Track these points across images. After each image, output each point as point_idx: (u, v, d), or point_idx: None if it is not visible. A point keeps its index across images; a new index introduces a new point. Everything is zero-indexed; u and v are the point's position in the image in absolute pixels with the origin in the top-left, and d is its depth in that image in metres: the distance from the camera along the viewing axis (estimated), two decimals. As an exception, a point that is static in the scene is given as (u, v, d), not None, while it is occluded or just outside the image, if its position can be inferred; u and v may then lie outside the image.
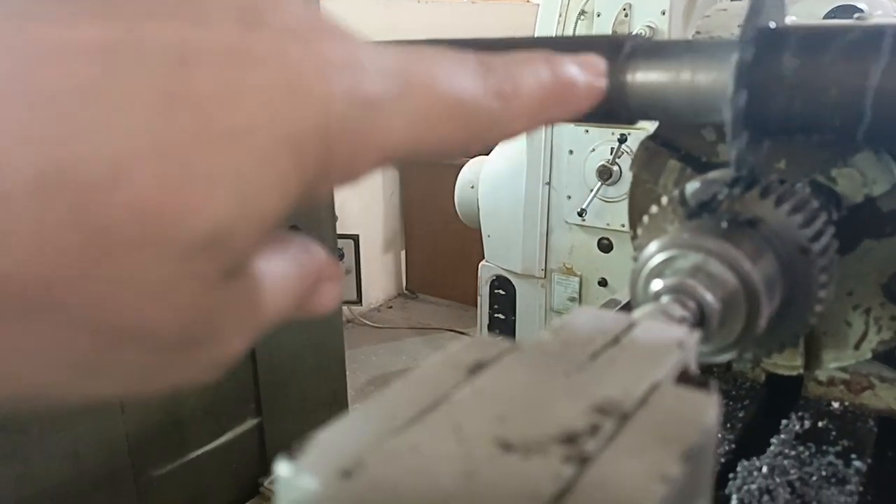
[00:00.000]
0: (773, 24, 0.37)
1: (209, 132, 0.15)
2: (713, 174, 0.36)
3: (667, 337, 0.26)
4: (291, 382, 0.98)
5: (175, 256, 0.15)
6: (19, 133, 0.13)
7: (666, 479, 0.18)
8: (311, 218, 0.89)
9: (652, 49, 0.39)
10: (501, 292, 2.11)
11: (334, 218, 0.95)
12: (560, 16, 1.84)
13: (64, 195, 0.13)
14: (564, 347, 0.24)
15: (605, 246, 1.88)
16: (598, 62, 0.24)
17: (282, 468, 0.18)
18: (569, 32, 1.82)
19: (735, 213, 0.33)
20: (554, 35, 1.83)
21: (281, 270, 0.20)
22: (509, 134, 0.22)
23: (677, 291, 0.30)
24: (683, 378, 0.24)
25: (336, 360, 1.07)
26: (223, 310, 0.17)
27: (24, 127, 0.13)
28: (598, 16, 1.78)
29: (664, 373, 0.23)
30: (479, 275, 2.13)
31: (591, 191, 1.77)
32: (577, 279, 1.99)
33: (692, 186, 0.34)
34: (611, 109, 0.40)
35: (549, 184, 1.92)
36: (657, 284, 0.31)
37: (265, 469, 0.94)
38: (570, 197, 1.87)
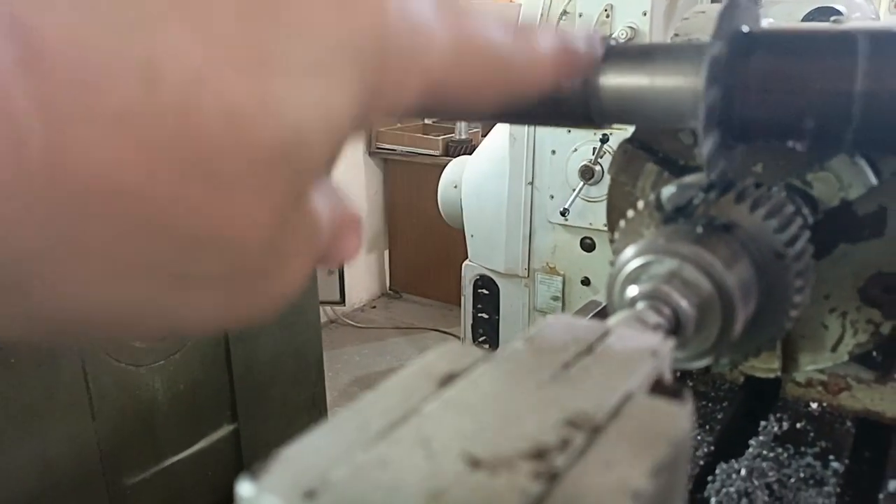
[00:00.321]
0: (745, 28, 0.37)
1: (281, 33, 0.15)
2: (689, 178, 0.36)
3: (641, 345, 0.25)
4: (269, 387, 0.97)
5: (258, 160, 0.15)
6: (124, 34, 0.14)
7: (636, 496, 0.17)
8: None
9: (624, 52, 0.38)
10: (485, 292, 2.12)
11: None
12: (542, 16, 1.84)
13: (160, 92, 0.14)
14: (537, 357, 0.24)
15: (588, 245, 1.89)
16: (596, 38, 0.29)
17: (244, 488, 0.17)
18: (551, 32, 1.82)
19: (710, 218, 0.33)
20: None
21: (323, 210, 0.20)
22: (527, 87, 0.24)
23: (652, 298, 0.30)
24: (657, 387, 0.24)
25: (315, 364, 1.06)
26: (292, 231, 0.18)
27: (126, 30, 0.14)
28: (580, 16, 1.79)
29: (637, 382, 0.23)
30: (462, 274, 2.13)
31: (574, 190, 1.78)
32: (560, 278, 1.99)
33: (668, 191, 0.34)
34: (584, 112, 0.40)
35: (531, 184, 1.92)
36: (633, 290, 0.31)
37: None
38: (552, 197, 1.88)
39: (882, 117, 0.28)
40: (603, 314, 0.47)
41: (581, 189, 1.77)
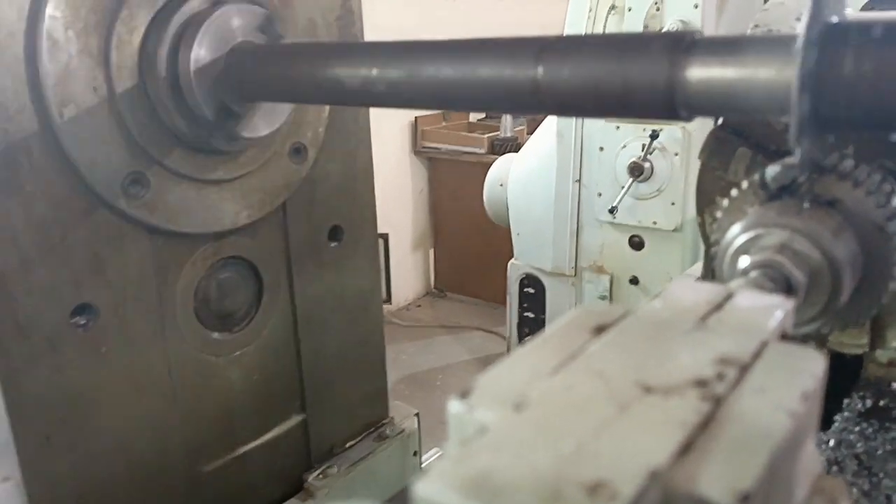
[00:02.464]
0: (835, 19, 0.37)
1: None
2: (790, 159, 0.38)
3: (765, 303, 0.28)
4: (335, 380, 1.01)
5: None
6: None
7: (793, 415, 0.20)
8: (353, 217, 0.92)
9: (712, 45, 0.40)
10: (531, 291, 2.12)
11: (375, 217, 0.98)
12: (590, 11, 1.83)
13: None
14: (674, 313, 0.27)
15: (637, 244, 1.88)
16: None
17: (454, 406, 0.21)
18: (599, 28, 1.81)
19: (815, 195, 0.35)
20: (583, 31, 1.82)
21: None
22: None
23: (765, 266, 0.32)
24: (785, 339, 0.26)
25: (378, 359, 1.09)
26: None
27: None
28: (629, 10, 1.77)
29: (769, 332, 0.26)
30: (508, 273, 2.13)
31: (623, 188, 1.77)
32: (607, 277, 1.98)
33: (772, 171, 0.36)
34: (669, 105, 0.41)
35: (579, 181, 1.92)
36: (745, 261, 0.33)
37: (309, 465, 0.97)
38: (600, 194, 1.87)
39: None
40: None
41: (630, 186, 1.76)
